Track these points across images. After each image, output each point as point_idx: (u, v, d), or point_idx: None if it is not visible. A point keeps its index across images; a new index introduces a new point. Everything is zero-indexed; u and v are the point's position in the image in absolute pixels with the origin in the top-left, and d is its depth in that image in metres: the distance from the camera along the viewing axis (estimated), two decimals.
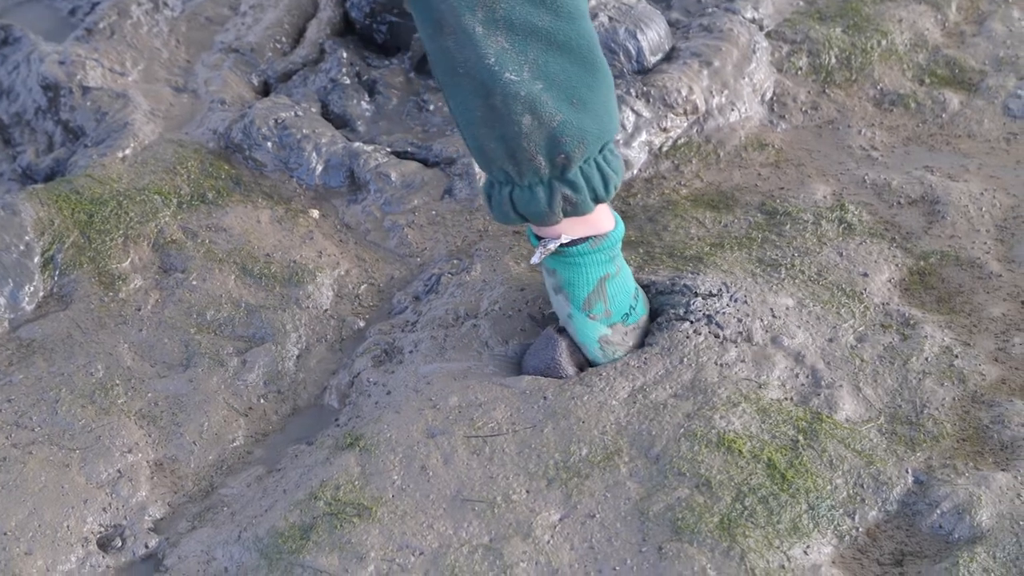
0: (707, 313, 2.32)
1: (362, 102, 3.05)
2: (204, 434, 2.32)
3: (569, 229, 2.18)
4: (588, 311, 2.25)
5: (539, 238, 2.21)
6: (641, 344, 2.34)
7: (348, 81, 3.07)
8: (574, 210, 2.12)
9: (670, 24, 3.03)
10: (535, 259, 2.20)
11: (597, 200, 2.12)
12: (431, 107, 3.04)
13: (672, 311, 2.35)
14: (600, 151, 2.08)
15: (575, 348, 2.31)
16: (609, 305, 2.26)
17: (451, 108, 2.07)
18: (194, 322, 2.50)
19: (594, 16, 2.93)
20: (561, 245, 2.19)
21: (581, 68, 2.01)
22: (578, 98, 2.01)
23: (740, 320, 2.31)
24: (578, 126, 2.02)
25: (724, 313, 2.32)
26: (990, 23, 3.07)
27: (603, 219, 2.20)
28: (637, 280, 2.41)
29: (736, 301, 2.34)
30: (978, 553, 1.94)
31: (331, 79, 3.07)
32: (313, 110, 2.97)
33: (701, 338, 2.28)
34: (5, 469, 2.21)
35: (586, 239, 2.20)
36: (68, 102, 2.99)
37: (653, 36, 2.93)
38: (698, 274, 2.41)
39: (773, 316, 2.32)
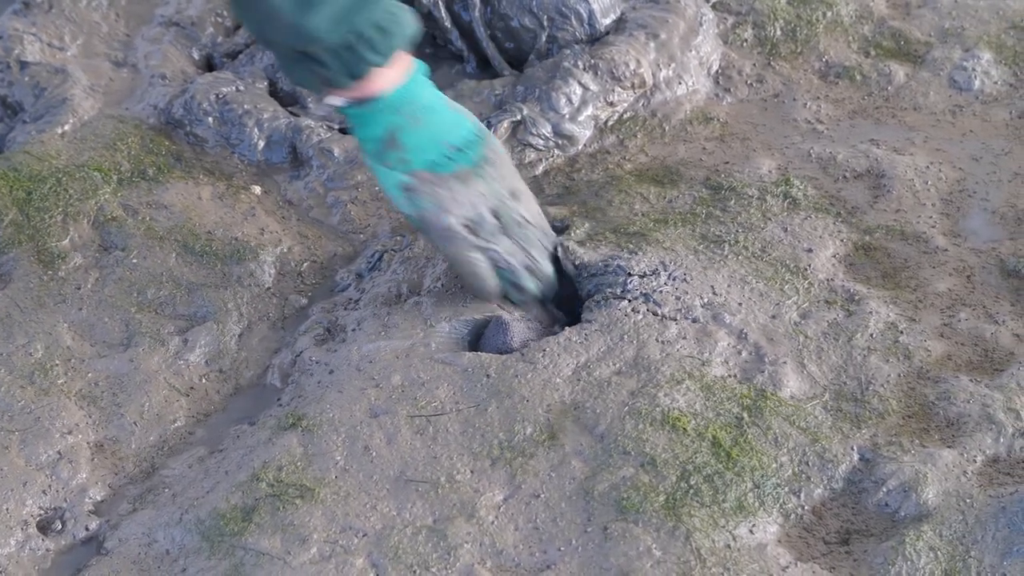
0: (644, 292, 2.31)
1: None
2: (145, 415, 2.30)
3: (343, 93, 2.21)
4: (381, 161, 2.27)
5: None
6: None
7: None
8: (330, 84, 2.16)
9: None
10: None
11: (353, 76, 2.15)
12: None
13: (609, 290, 2.34)
14: (352, 30, 2.10)
15: (524, 330, 2.30)
16: (406, 153, 2.25)
17: None
18: (134, 301, 2.48)
19: None
20: (340, 108, 2.24)
21: None
22: None
23: (679, 298, 2.30)
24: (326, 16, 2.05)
25: (662, 291, 2.31)
26: None
27: (378, 82, 2.21)
28: (573, 258, 2.40)
29: (674, 279, 2.33)
30: (924, 531, 1.95)
31: None
32: (260, 86, 2.94)
33: (640, 316, 2.27)
34: None
35: (362, 101, 2.22)
36: (6, 77, 2.96)
37: None
38: (634, 254, 2.39)
39: (714, 293, 2.31)
